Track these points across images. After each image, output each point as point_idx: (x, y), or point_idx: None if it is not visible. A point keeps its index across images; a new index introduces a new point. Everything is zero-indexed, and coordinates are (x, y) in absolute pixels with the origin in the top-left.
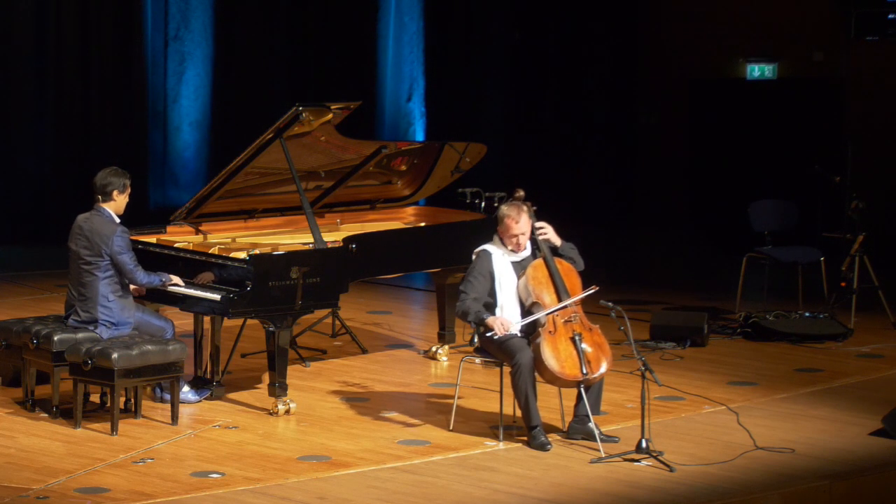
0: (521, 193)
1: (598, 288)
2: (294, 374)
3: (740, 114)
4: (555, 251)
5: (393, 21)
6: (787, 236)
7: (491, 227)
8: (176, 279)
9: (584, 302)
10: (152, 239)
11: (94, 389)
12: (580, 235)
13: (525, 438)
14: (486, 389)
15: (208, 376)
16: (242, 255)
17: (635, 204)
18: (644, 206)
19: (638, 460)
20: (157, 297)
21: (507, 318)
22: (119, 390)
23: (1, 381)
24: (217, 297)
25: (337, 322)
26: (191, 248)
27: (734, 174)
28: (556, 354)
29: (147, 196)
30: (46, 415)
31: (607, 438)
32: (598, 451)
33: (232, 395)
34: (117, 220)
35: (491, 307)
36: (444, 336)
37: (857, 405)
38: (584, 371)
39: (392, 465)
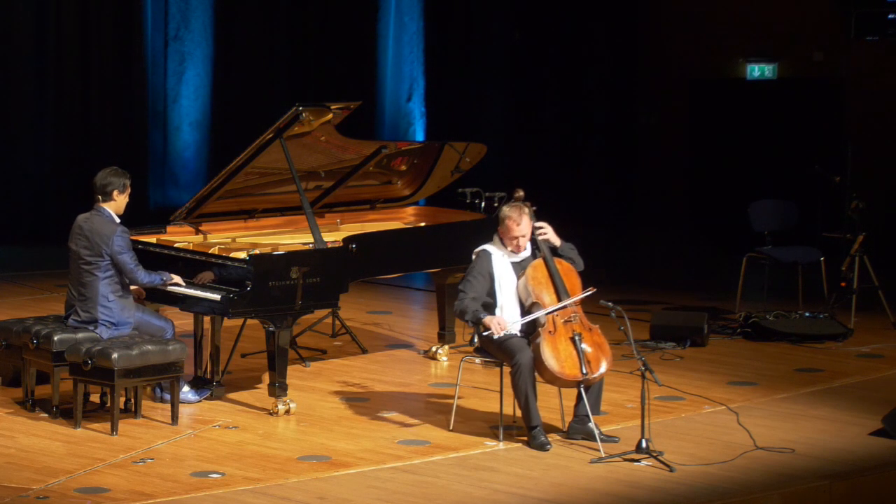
0: (521, 193)
1: (595, 290)
2: (294, 374)
3: (740, 114)
4: (554, 251)
5: (393, 21)
6: (787, 236)
7: (491, 227)
8: (177, 278)
9: (584, 302)
10: (152, 239)
11: (94, 389)
12: (580, 235)
13: (525, 438)
14: (486, 389)
15: (208, 376)
16: (242, 255)
17: (635, 204)
18: (644, 207)
19: (638, 460)
20: (157, 297)
21: (507, 318)
22: (119, 390)
23: (1, 381)
24: (217, 297)
25: (337, 322)
26: (191, 248)
27: (734, 174)
28: (555, 354)
29: (147, 196)
30: (46, 415)
31: (607, 438)
32: (598, 451)
33: (232, 395)
34: (117, 220)
35: (490, 307)
36: (444, 336)
37: (857, 405)
38: (584, 371)
39: (392, 465)
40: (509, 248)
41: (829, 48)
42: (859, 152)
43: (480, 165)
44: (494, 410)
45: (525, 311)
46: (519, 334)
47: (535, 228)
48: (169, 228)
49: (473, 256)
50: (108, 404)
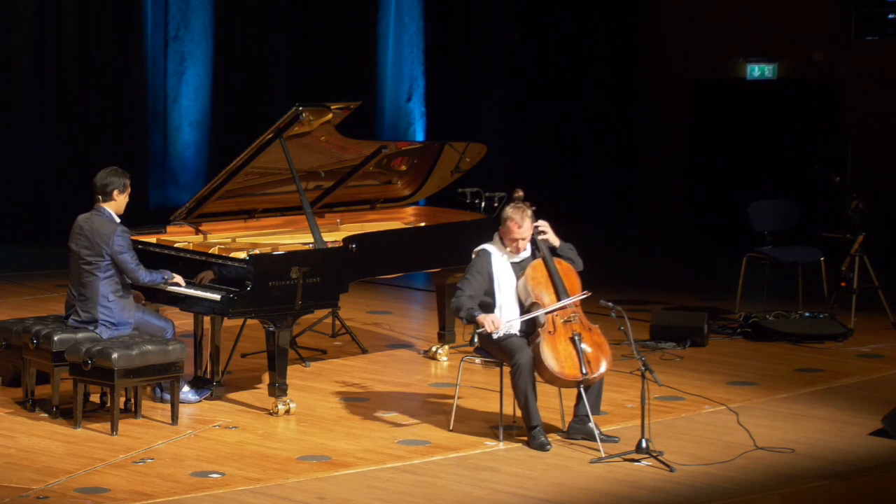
0: (521, 193)
1: (589, 293)
2: (294, 374)
3: (740, 114)
4: (554, 251)
5: (393, 21)
6: (787, 236)
7: (491, 228)
8: (177, 277)
9: (583, 302)
10: (152, 239)
11: (94, 389)
12: (580, 235)
13: (525, 438)
14: (486, 389)
15: (208, 376)
16: (242, 255)
17: (635, 204)
18: (644, 206)
19: (638, 460)
20: (157, 297)
21: (506, 318)
22: (119, 390)
23: (1, 381)
24: (217, 297)
25: (337, 322)
26: (191, 248)
27: (734, 174)
28: (555, 355)
29: (147, 196)
30: (46, 415)
31: (607, 438)
32: (598, 451)
33: (232, 395)
34: (118, 220)
35: (489, 307)
36: (444, 336)
37: (857, 405)
38: (584, 371)
39: (392, 465)
40: (508, 249)
41: (829, 48)
42: (859, 152)
43: (480, 165)
44: (494, 410)
45: (525, 311)
46: (518, 334)
47: (534, 228)
48: (169, 228)
49: (473, 255)
50: (108, 404)
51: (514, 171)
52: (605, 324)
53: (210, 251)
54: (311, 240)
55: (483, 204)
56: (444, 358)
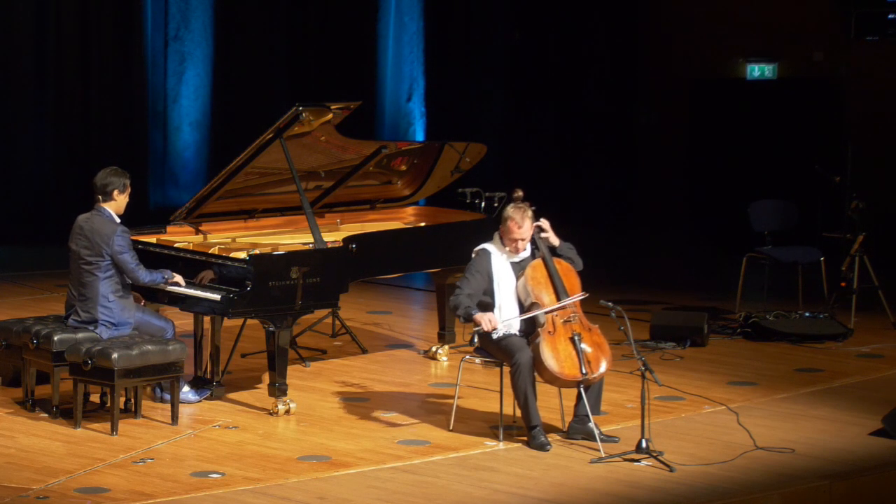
0: (520, 193)
1: (587, 294)
2: (294, 374)
3: (740, 114)
4: (553, 251)
5: (393, 21)
6: (787, 236)
7: (491, 227)
8: (178, 277)
9: (583, 302)
10: (152, 239)
11: (94, 389)
12: (580, 236)
13: (525, 438)
14: (486, 389)
15: (208, 376)
16: (242, 255)
17: (635, 204)
18: (644, 206)
19: (638, 460)
20: (157, 297)
21: (505, 317)
22: (119, 390)
23: (1, 381)
24: (217, 297)
25: (337, 322)
26: (191, 248)
27: (734, 174)
28: (555, 355)
29: (147, 196)
30: (46, 415)
31: (607, 438)
32: (598, 451)
33: (232, 395)
34: (118, 220)
35: (488, 306)
36: (444, 336)
37: (857, 405)
38: (584, 371)
39: (392, 465)
40: (508, 249)
41: (829, 48)
42: (859, 152)
43: (480, 165)
44: (494, 410)
45: (524, 311)
46: (518, 334)
47: (535, 228)
48: (169, 228)
49: (473, 255)
50: (108, 404)
51: (514, 171)
52: (605, 324)
53: (210, 251)
54: (311, 240)
55: (483, 204)
56: (444, 358)
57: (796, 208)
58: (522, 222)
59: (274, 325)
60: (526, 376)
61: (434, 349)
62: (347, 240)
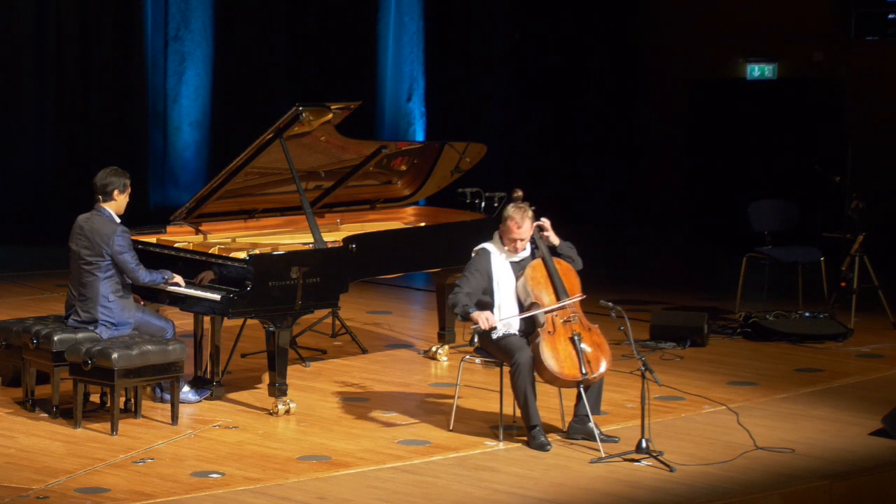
0: (520, 193)
1: (585, 296)
2: (294, 374)
3: (740, 114)
4: (553, 251)
5: (393, 21)
6: (787, 236)
7: (491, 228)
8: (178, 277)
9: (584, 302)
10: (152, 239)
11: (94, 389)
12: (580, 235)
13: (525, 438)
14: (486, 389)
15: (208, 376)
16: (242, 255)
17: (635, 204)
18: (644, 206)
19: (638, 460)
20: (157, 297)
21: (504, 316)
22: (119, 390)
23: (1, 381)
24: (217, 297)
25: (337, 322)
26: (191, 248)
27: (734, 174)
28: (555, 355)
29: (147, 196)
30: (46, 415)
31: (607, 438)
32: (598, 451)
33: (232, 395)
34: (118, 220)
35: (488, 306)
36: (444, 336)
37: (857, 405)
38: (584, 371)
39: (392, 465)
40: (507, 249)
41: (829, 48)
42: (859, 152)
43: (480, 165)
44: (494, 410)
45: (524, 311)
46: (518, 334)
47: (535, 227)
48: (169, 228)
49: (473, 254)
50: (108, 404)
51: (514, 171)
52: (605, 324)
53: (210, 251)
54: (311, 240)
55: (483, 204)
56: (444, 358)
57: (796, 208)
58: (522, 222)
59: (274, 325)
60: (526, 376)
61: (434, 349)
62: (347, 240)
